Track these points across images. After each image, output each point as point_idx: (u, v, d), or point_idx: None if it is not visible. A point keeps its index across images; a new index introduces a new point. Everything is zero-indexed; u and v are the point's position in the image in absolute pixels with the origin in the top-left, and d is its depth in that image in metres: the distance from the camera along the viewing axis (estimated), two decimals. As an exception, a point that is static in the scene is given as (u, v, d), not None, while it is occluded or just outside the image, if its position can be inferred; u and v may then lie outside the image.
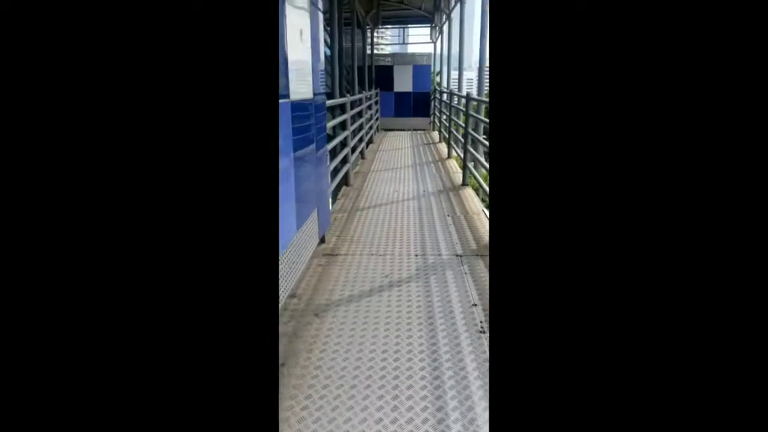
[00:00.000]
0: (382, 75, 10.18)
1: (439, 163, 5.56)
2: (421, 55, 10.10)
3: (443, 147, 6.72)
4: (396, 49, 13.12)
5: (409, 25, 10.64)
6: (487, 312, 1.79)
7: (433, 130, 9.13)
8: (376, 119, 8.53)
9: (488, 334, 1.62)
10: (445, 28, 9.37)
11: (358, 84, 8.48)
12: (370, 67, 9.17)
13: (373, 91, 8.48)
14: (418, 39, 10.87)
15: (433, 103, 9.51)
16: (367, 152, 6.28)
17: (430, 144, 7.36)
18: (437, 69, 10.59)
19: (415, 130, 9.96)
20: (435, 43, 10.44)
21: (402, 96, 10.25)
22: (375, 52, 10.68)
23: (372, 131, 7.37)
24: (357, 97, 5.29)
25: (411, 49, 12.20)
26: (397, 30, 11.07)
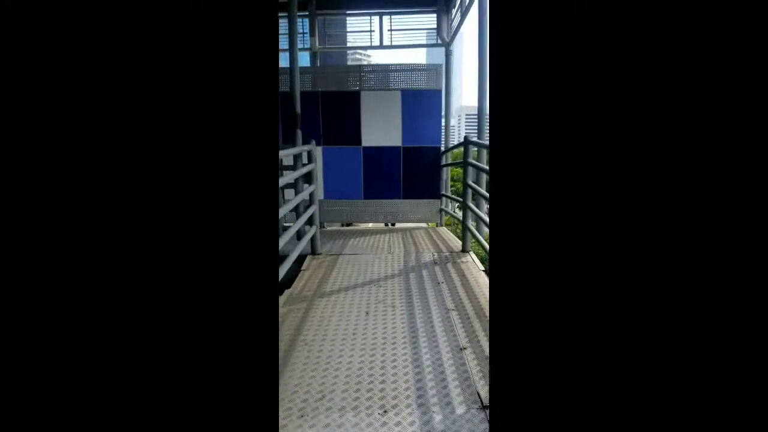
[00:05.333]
0: (334, 111, 4.58)
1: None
2: (421, 69, 4.59)
3: None
4: (369, 56, 7.63)
5: (394, 10, 5.12)
6: None
7: (460, 237, 3.48)
8: (308, 224, 2.87)
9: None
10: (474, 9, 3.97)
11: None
12: (286, 94, 3.45)
13: (305, 148, 2.87)
14: (413, 37, 5.32)
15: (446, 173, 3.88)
16: None
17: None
18: (455, 99, 5.06)
19: (410, 227, 4.33)
20: (449, 45, 4.95)
21: (379, 156, 4.63)
22: (320, 62, 5.20)
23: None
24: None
25: (398, 57, 6.58)
26: (367, 18, 5.44)
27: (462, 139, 3.28)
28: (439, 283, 2.66)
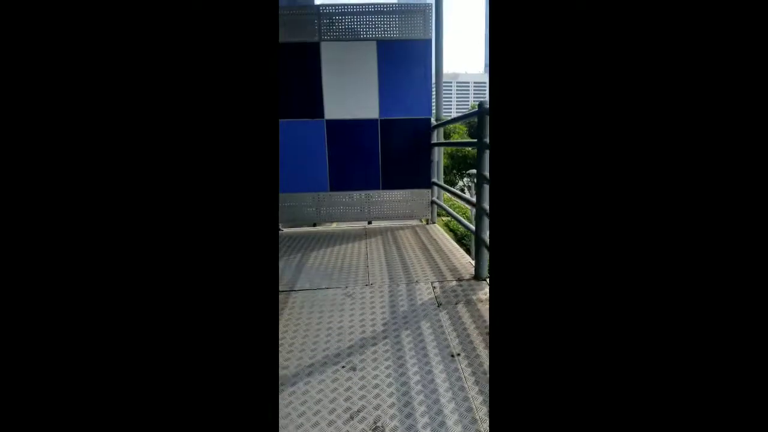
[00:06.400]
0: (284, 70, 3.31)
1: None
2: (404, 11, 3.34)
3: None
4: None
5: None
6: None
7: (466, 247, 2.42)
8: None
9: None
10: None
11: None
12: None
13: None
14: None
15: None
16: None
17: None
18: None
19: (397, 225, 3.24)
20: (439, -21, 3.67)
21: (349, 132, 3.43)
22: None
23: None
24: None
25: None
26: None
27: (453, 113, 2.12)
28: (453, 356, 1.59)
